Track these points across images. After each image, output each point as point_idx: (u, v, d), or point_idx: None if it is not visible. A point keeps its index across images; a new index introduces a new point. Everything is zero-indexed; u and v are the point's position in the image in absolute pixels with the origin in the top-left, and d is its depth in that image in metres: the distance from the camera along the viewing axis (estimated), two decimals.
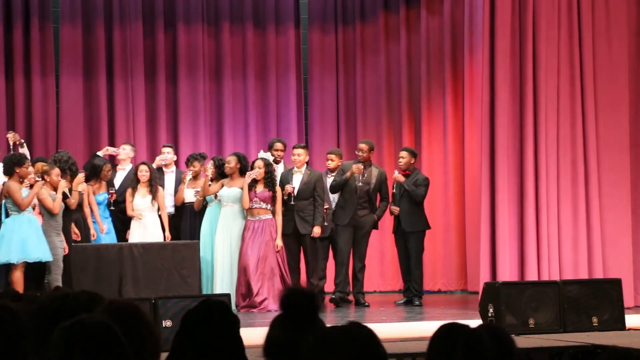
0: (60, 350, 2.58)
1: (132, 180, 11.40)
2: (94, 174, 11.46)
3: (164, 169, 12.08)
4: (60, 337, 2.60)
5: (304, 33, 14.21)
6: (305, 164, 11.53)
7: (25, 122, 12.96)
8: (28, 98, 13.00)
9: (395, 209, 11.63)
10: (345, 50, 14.28)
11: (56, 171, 10.38)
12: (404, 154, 11.83)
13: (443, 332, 2.69)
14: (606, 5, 10.92)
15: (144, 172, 11.31)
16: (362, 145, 11.67)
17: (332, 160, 11.72)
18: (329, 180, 11.63)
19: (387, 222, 12.46)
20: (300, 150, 11.54)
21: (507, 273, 10.44)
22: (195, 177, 11.72)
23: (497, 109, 10.63)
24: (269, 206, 10.92)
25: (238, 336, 3.11)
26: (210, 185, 11.19)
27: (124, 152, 12.03)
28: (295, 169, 11.45)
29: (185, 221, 11.70)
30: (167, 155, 12.06)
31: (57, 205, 10.11)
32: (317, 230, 11.27)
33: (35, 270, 10.08)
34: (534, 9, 10.70)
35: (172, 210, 11.81)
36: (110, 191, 11.40)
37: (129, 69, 13.35)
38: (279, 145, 11.83)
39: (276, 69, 13.99)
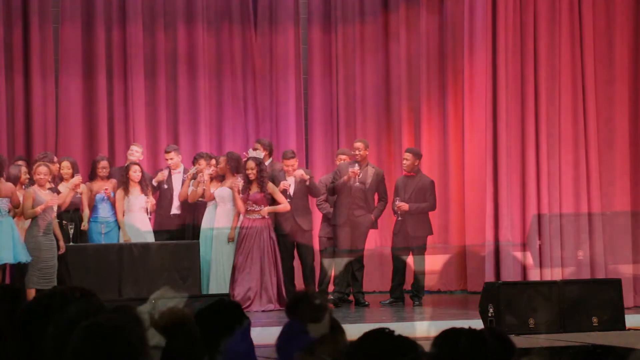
0: (73, 347, 2.61)
1: (123, 182, 11.22)
2: (92, 172, 11.40)
3: (172, 170, 12.04)
4: (76, 336, 2.63)
5: (303, 33, 14.18)
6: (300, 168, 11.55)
7: (24, 122, 12.94)
8: (28, 98, 12.98)
9: (402, 207, 11.49)
10: (345, 50, 14.26)
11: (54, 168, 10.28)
12: (408, 155, 11.74)
13: (444, 337, 2.68)
14: (606, 4, 10.92)
15: (138, 172, 11.24)
16: (358, 144, 11.63)
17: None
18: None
19: (387, 222, 12.44)
20: (293, 162, 11.42)
21: (511, 273, 10.43)
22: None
23: (498, 109, 10.64)
24: (262, 207, 10.89)
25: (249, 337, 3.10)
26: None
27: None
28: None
29: (189, 218, 11.69)
30: (169, 161, 12.01)
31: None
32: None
33: (19, 272, 10.03)
34: (535, 7, 10.70)
35: (177, 211, 11.79)
36: (105, 188, 11.26)
37: (128, 69, 13.33)
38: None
39: (276, 69, 13.97)
